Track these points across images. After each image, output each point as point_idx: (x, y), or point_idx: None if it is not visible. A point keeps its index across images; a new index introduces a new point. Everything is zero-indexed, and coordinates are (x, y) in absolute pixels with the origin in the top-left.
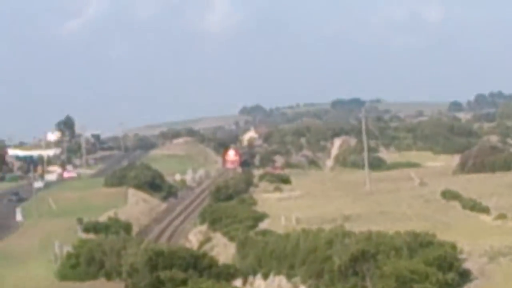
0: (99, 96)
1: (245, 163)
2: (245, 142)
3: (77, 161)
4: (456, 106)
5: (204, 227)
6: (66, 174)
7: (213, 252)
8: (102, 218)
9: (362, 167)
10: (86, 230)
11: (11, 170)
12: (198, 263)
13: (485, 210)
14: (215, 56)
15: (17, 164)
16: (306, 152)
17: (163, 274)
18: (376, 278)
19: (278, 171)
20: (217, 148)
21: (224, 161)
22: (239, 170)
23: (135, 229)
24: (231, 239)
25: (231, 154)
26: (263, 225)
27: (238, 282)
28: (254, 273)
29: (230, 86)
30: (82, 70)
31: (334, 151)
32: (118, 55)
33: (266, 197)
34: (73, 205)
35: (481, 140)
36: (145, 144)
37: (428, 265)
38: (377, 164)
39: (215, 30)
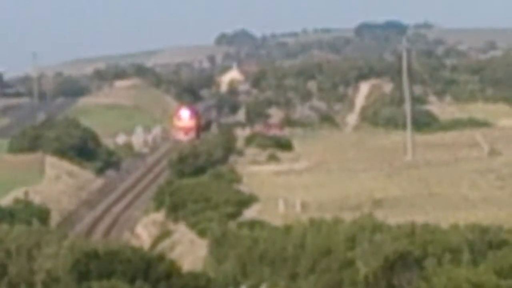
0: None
1: (212, 124)
2: (223, 87)
3: None
4: None
5: (160, 216)
6: None
7: (174, 253)
8: (5, 201)
9: (402, 126)
10: None
11: None
12: (151, 270)
13: None
14: None
15: None
16: (317, 102)
17: (97, 286)
18: None
19: (274, 131)
20: (181, 96)
21: (174, 128)
22: (214, 129)
23: (55, 218)
24: (201, 233)
25: (185, 117)
26: (250, 213)
27: None
28: (236, 286)
29: (201, 1)
30: None
31: (360, 101)
32: None
33: (255, 171)
34: None
35: None
36: (72, 89)
37: (501, 275)
38: (425, 122)
39: None
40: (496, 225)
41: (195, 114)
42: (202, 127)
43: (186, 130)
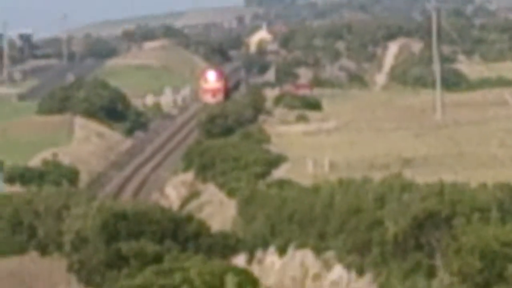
0: None
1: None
2: (252, 47)
3: None
4: None
5: (189, 176)
6: None
7: (202, 213)
8: (34, 162)
9: (431, 85)
10: (10, 179)
11: None
12: (180, 230)
13: None
14: None
15: None
16: (346, 62)
17: (126, 247)
18: (451, 253)
19: (302, 91)
20: (209, 56)
21: (201, 90)
22: (243, 90)
23: (84, 179)
24: (230, 194)
25: (211, 78)
26: (279, 173)
27: (240, 258)
28: (265, 246)
29: None
30: None
31: (389, 61)
32: None
33: (284, 131)
34: None
35: None
36: (101, 50)
37: None
38: (454, 81)
39: None
40: None
41: (222, 75)
42: (230, 89)
43: (214, 92)
